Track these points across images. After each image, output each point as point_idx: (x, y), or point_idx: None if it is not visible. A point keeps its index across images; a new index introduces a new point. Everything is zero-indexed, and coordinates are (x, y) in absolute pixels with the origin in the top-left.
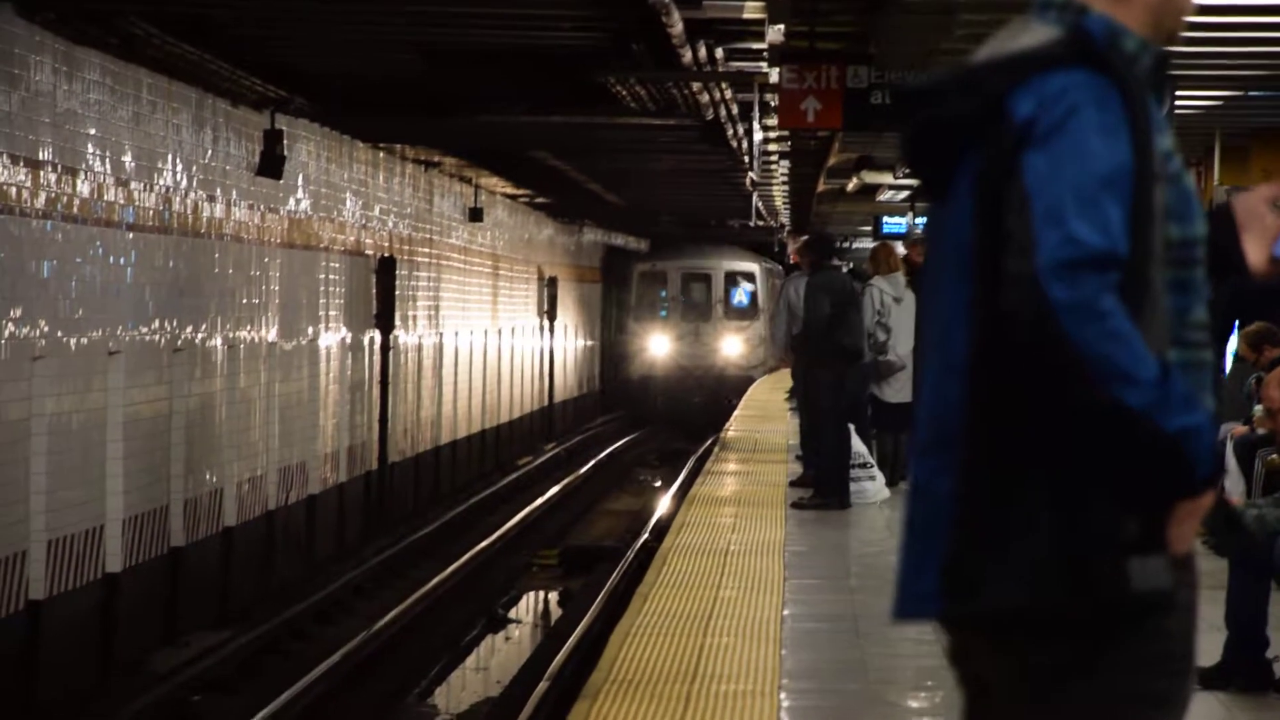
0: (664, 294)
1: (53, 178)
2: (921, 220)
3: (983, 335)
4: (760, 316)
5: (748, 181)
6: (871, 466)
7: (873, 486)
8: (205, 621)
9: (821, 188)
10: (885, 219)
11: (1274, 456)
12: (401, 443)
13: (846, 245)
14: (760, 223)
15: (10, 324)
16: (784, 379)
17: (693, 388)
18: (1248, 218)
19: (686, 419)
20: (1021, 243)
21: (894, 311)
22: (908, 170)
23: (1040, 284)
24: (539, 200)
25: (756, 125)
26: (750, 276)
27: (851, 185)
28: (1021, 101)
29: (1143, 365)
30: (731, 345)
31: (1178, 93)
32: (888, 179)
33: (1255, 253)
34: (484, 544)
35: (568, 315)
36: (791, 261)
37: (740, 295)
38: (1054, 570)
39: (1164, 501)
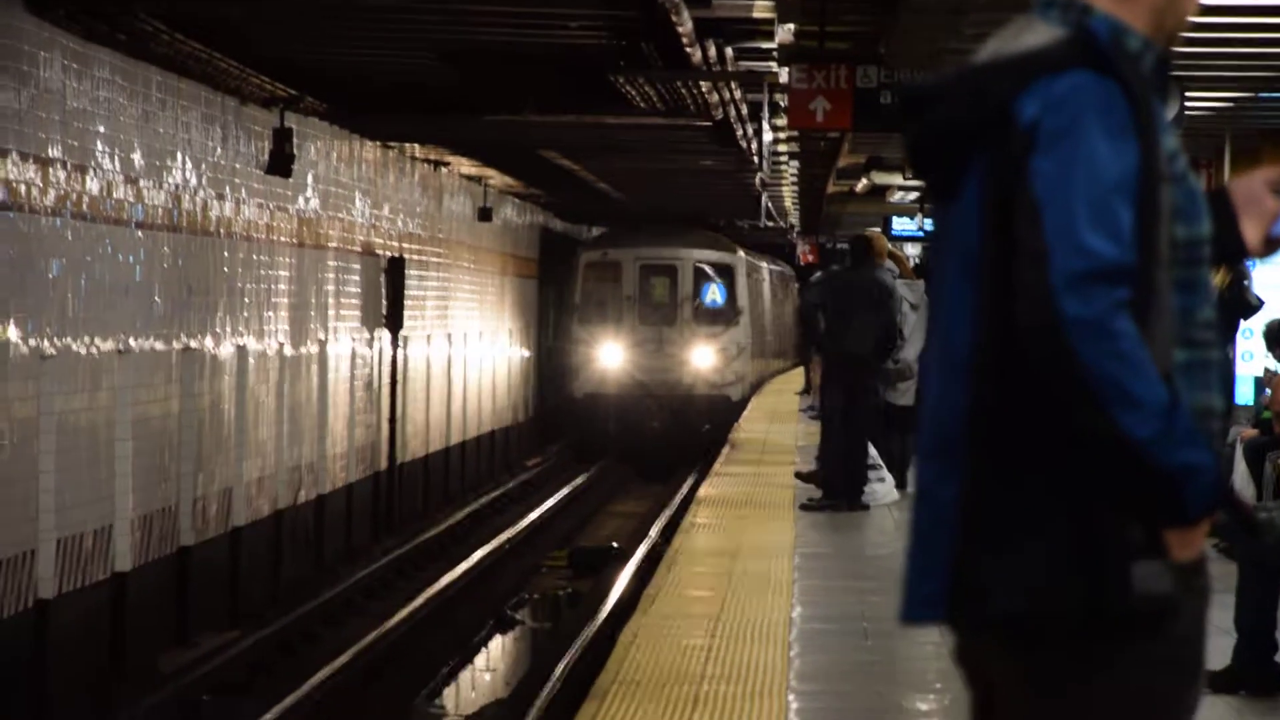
0: (616, 290)
1: (62, 175)
2: (929, 221)
3: (987, 339)
4: (740, 320)
5: (757, 182)
6: (881, 468)
7: (882, 488)
8: (215, 621)
9: (831, 189)
10: (895, 219)
11: None
12: (411, 443)
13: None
14: (770, 223)
15: (19, 322)
16: (793, 380)
17: (652, 410)
18: (1245, 201)
19: (644, 450)
20: (1033, 252)
21: (910, 318)
22: (913, 172)
23: (1053, 297)
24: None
25: (766, 125)
26: (727, 270)
27: (861, 186)
28: (1026, 105)
29: (1150, 392)
30: (702, 356)
31: (1187, 94)
32: (897, 180)
33: (1253, 234)
34: (493, 545)
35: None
36: (803, 262)
37: (714, 293)
38: (1057, 575)
39: (1159, 521)
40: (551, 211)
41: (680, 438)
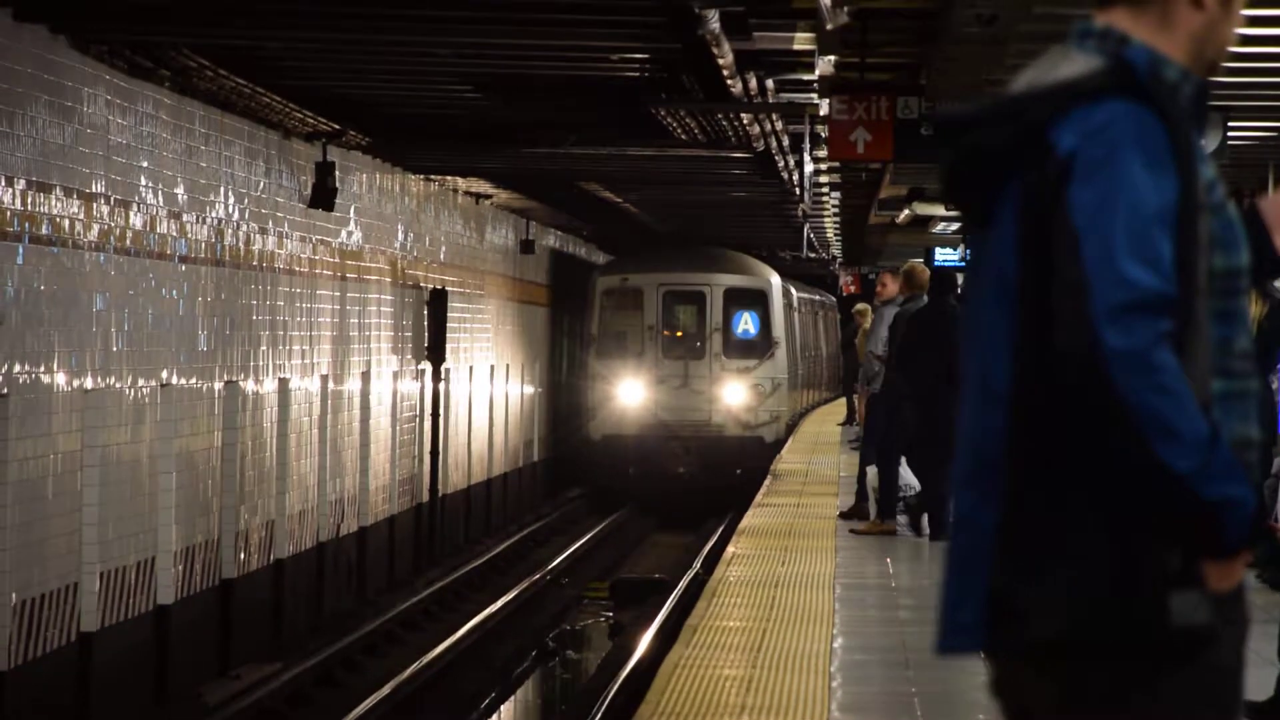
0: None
1: (105, 210)
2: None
3: (1024, 366)
4: (775, 352)
5: (799, 213)
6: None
7: (924, 518)
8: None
9: (873, 219)
10: (938, 250)
11: None
12: (453, 475)
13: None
14: (812, 254)
15: (63, 358)
16: (835, 411)
17: (678, 453)
18: (1278, 220)
19: (668, 499)
20: (1072, 283)
21: None
22: (947, 200)
23: (1095, 328)
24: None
25: (807, 157)
26: (760, 296)
27: (903, 217)
28: (1064, 134)
29: (1190, 425)
30: (733, 394)
31: (1231, 124)
32: (940, 210)
33: None
34: (535, 576)
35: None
36: (845, 293)
37: (746, 323)
38: (1095, 603)
39: (1198, 552)
40: (594, 244)
41: (708, 484)
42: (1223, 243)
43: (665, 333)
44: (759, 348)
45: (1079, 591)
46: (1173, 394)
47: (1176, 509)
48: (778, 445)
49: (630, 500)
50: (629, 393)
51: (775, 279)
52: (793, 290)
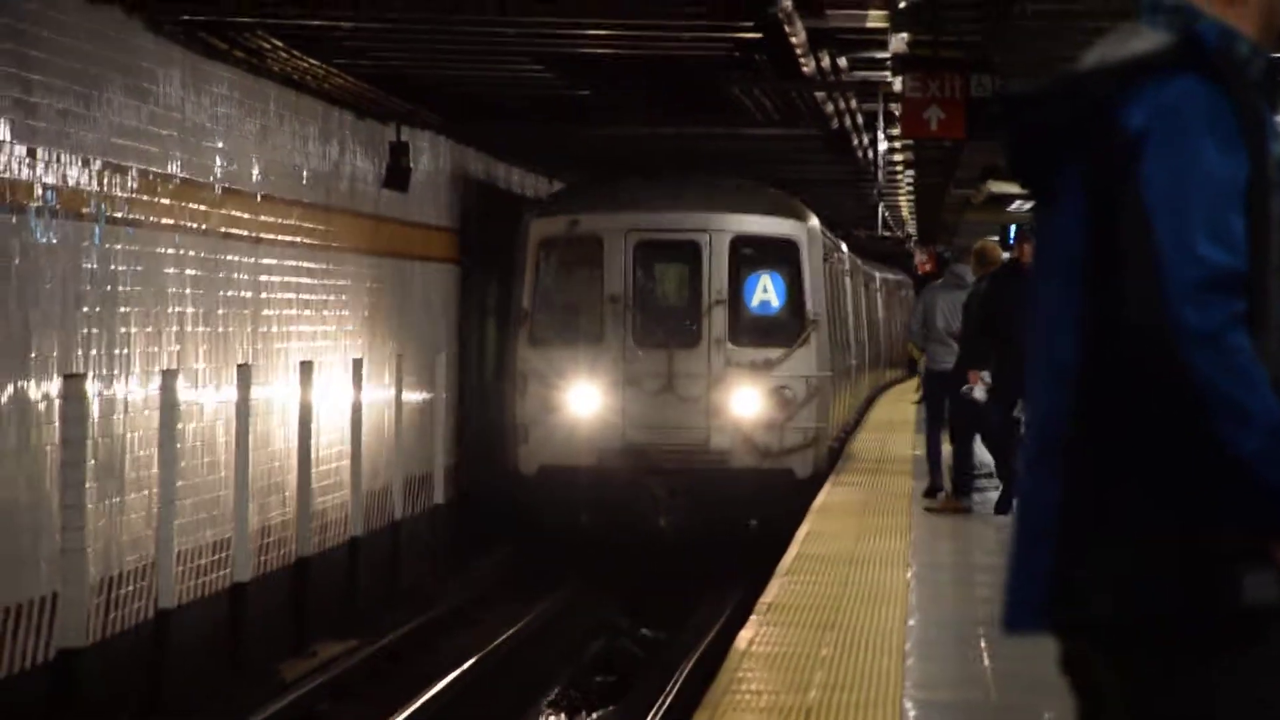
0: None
1: (180, 190)
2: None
3: (1092, 344)
4: (811, 336)
5: (874, 191)
6: (994, 477)
7: (997, 496)
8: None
9: (949, 197)
10: (1014, 228)
11: None
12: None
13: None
14: (887, 233)
15: (141, 337)
16: (906, 389)
17: (656, 496)
18: None
19: (640, 564)
20: (1145, 261)
21: None
22: (1012, 177)
23: (1169, 306)
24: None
25: (881, 134)
26: (788, 248)
27: (978, 194)
28: (1133, 111)
29: (1262, 406)
30: (745, 401)
31: None
32: (1016, 188)
33: None
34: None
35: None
36: (920, 271)
37: (765, 290)
38: (1162, 580)
39: (1266, 531)
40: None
41: (704, 541)
42: None
43: (638, 306)
44: (786, 329)
45: (1144, 569)
46: (1246, 375)
47: (1244, 488)
48: (817, 480)
49: (576, 569)
50: (581, 400)
51: (811, 222)
52: (838, 241)
